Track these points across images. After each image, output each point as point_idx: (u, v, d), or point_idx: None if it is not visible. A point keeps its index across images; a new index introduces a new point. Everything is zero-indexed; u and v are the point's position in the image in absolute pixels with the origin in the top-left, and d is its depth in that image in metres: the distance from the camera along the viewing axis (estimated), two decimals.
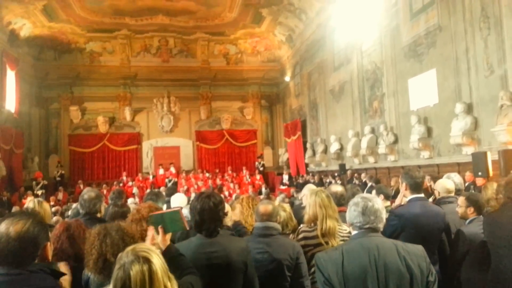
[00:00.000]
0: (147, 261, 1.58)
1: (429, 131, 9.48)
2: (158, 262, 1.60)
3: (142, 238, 2.34)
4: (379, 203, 2.11)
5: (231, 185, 17.61)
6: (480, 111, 7.97)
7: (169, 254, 2.09)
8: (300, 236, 3.12)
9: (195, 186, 16.72)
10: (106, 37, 18.53)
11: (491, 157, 6.98)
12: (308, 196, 3.26)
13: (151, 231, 2.16)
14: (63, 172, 17.98)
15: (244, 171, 19.25)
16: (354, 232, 2.07)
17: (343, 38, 13.14)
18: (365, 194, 2.22)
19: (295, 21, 16.67)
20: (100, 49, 19.16)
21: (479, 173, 6.98)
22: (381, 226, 2.07)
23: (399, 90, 10.66)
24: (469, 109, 8.15)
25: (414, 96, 10.02)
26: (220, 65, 20.49)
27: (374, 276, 1.87)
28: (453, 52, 8.60)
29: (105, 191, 14.72)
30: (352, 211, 2.05)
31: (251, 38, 19.28)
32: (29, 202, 3.72)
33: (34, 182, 15.96)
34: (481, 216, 3.50)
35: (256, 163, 20.23)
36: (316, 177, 14.56)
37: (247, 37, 19.17)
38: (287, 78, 19.63)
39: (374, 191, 4.50)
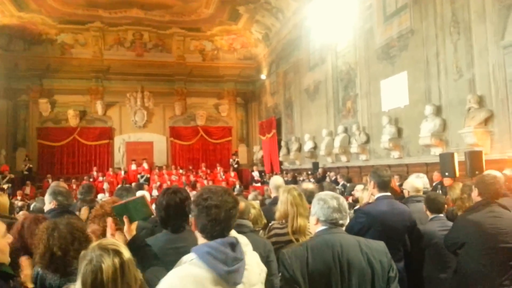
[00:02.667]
0: (117, 253, 1.57)
1: (399, 131, 9.70)
2: (128, 254, 1.59)
3: (105, 234, 2.30)
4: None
5: (205, 181, 17.53)
6: (448, 113, 8.21)
7: (134, 245, 2.06)
8: (272, 232, 3.14)
9: (168, 182, 16.56)
10: (79, 29, 18.10)
11: (458, 158, 7.19)
12: (280, 193, 3.28)
13: (109, 222, 2.11)
14: (31, 166, 17.46)
15: (218, 168, 19.20)
16: (319, 228, 2.09)
17: (319, 39, 13.27)
18: (329, 192, 2.25)
19: (271, 20, 16.71)
20: (72, 41, 18.66)
21: (446, 173, 7.18)
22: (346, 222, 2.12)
23: (371, 91, 10.85)
24: (438, 111, 8.37)
25: (386, 97, 10.22)
26: (196, 61, 20.32)
27: (337, 272, 1.90)
28: (424, 55, 8.82)
29: (74, 186, 14.41)
30: (326, 208, 2.06)
31: (227, 35, 19.22)
32: None
33: (0, 176, 15.44)
34: (440, 215, 3.64)
35: (231, 160, 20.22)
36: (289, 175, 14.67)
37: (224, 34, 19.10)
38: (263, 76, 19.67)
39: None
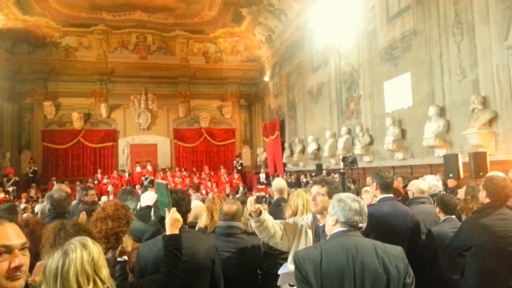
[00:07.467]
0: (65, 255, 1.58)
1: (403, 133, 9.67)
2: (78, 259, 1.58)
3: (107, 237, 2.31)
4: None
5: (209, 183, 17.56)
6: (452, 114, 8.17)
7: (165, 244, 2.16)
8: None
9: (172, 185, 16.58)
10: (83, 32, 18.16)
11: (462, 159, 7.16)
12: (291, 197, 3.31)
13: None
14: (35, 168, 17.53)
15: (222, 170, 19.21)
16: (336, 230, 2.04)
17: (322, 40, 13.26)
18: (349, 194, 2.17)
19: (274, 22, 16.72)
20: (76, 44, 18.76)
21: (450, 175, 7.15)
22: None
23: (375, 93, 10.83)
24: (442, 112, 8.34)
25: (389, 99, 10.20)
26: (199, 63, 20.39)
27: (351, 276, 1.87)
28: (427, 56, 8.79)
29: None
30: (347, 210, 2.00)
31: (230, 37, 19.24)
32: None
33: (5, 179, 15.52)
34: (452, 216, 3.59)
35: (234, 162, 20.22)
36: (293, 177, 14.66)
37: (227, 36, 19.12)
38: (266, 78, 19.69)
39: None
